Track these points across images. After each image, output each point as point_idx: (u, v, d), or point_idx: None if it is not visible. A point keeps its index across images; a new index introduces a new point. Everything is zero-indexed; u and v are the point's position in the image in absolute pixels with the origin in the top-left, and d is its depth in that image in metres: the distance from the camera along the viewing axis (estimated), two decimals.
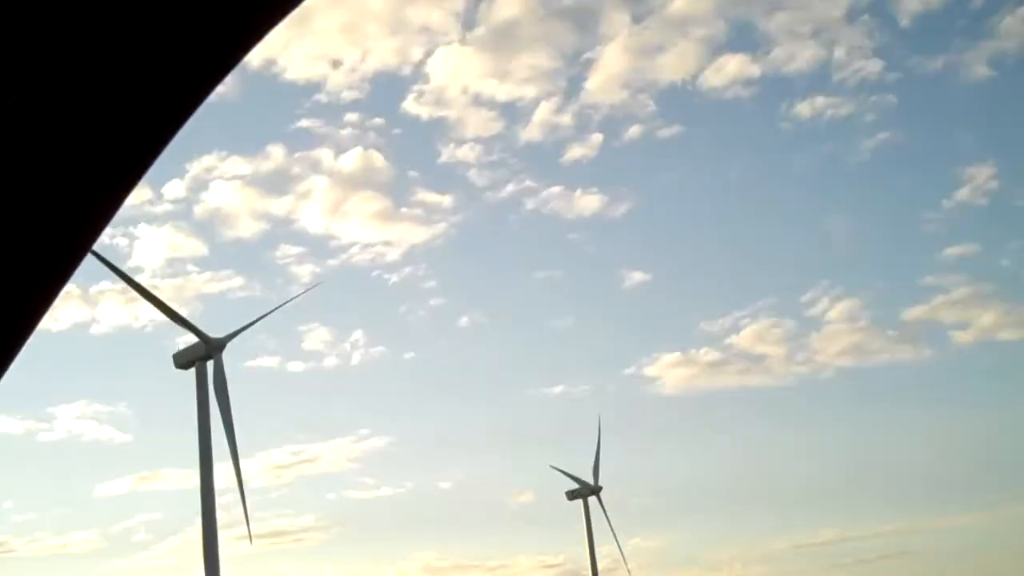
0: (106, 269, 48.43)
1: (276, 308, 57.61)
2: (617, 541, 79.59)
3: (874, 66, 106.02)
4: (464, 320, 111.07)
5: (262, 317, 55.52)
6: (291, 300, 60.73)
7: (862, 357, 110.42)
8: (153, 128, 2.14)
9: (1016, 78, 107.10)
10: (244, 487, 51.44)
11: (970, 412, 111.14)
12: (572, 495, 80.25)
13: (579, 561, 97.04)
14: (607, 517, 79.06)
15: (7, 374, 2.67)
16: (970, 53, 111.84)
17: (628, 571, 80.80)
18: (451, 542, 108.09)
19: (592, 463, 79.88)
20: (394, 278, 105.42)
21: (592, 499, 79.58)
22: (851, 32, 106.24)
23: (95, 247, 2.71)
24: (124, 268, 50.34)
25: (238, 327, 53.56)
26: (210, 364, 51.96)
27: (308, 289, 64.26)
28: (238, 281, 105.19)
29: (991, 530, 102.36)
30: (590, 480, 79.78)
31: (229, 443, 51.30)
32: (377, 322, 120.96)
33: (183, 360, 52.47)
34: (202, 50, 2.01)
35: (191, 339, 51.17)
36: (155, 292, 50.96)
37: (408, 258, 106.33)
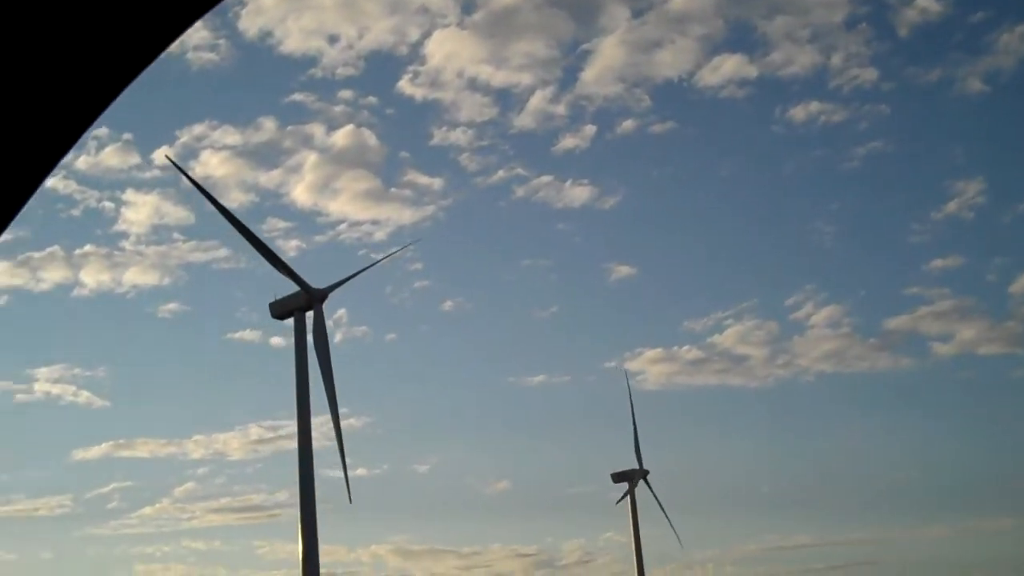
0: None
1: (370, 266, 56.66)
2: (670, 521, 79.23)
3: (870, 75, 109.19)
4: (448, 304, 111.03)
5: (361, 271, 54.53)
6: (385, 258, 59.63)
7: (842, 363, 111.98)
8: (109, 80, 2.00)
9: (1011, 95, 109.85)
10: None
11: (948, 424, 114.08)
12: (618, 478, 79.81)
13: (552, 552, 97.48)
14: (657, 500, 78.72)
15: None
16: (966, 67, 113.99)
17: (682, 546, 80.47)
18: (426, 527, 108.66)
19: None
20: (377, 256, 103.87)
21: (637, 483, 79.27)
22: (849, 39, 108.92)
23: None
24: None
25: (338, 279, 52.52)
26: (309, 315, 50.90)
27: (400, 249, 63.04)
28: (223, 252, 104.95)
29: (962, 543, 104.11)
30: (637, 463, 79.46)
31: (328, 395, 50.15)
32: (361, 301, 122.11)
33: (281, 310, 51.29)
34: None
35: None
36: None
37: (395, 239, 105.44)
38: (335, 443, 49.50)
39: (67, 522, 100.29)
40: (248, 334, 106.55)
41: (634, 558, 78.49)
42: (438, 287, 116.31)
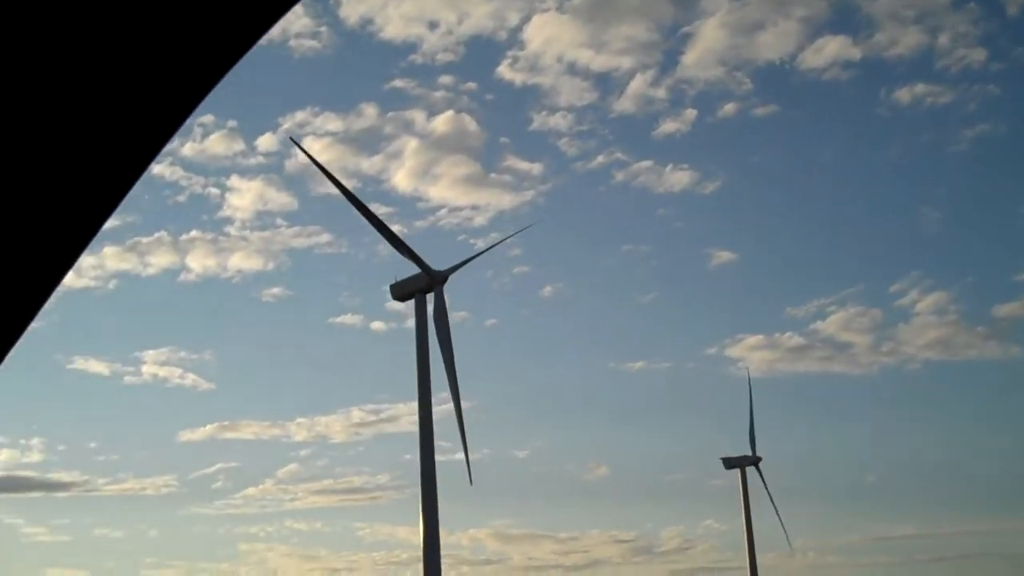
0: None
1: (493, 245, 56.23)
2: (778, 513, 77.66)
3: (978, 55, 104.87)
4: (548, 290, 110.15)
5: (481, 253, 54.19)
6: (506, 240, 59.00)
7: (949, 351, 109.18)
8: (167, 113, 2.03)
9: None
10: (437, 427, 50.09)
11: None
12: (729, 464, 78.42)
13: (650, 538, 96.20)
14: (767, 488, 77.17)
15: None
16: None
17: (790, 546, 78.92)
18: (524, 511, 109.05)
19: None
20: (480, 243, 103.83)
21: (750, 469, 77.78)
22: (956, 19, 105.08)
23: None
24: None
25: (458, 261, 52.15)
26: (430, 296, 50.64)
27: (522, 230, 62.34)
28: (325, 237, 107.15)
29: None
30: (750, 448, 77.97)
31: (448, 377, 49.89)
32: (461, 287, 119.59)
33: (402, 292, 51.13)
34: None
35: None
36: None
37: (495, 224, 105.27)
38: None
39: (173, 501, 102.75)
40: (349, 318, 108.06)
41: (745, 545, 77.14)
42: (538, 273, 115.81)
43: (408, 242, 48.51)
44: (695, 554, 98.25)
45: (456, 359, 49.29)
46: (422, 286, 50.57)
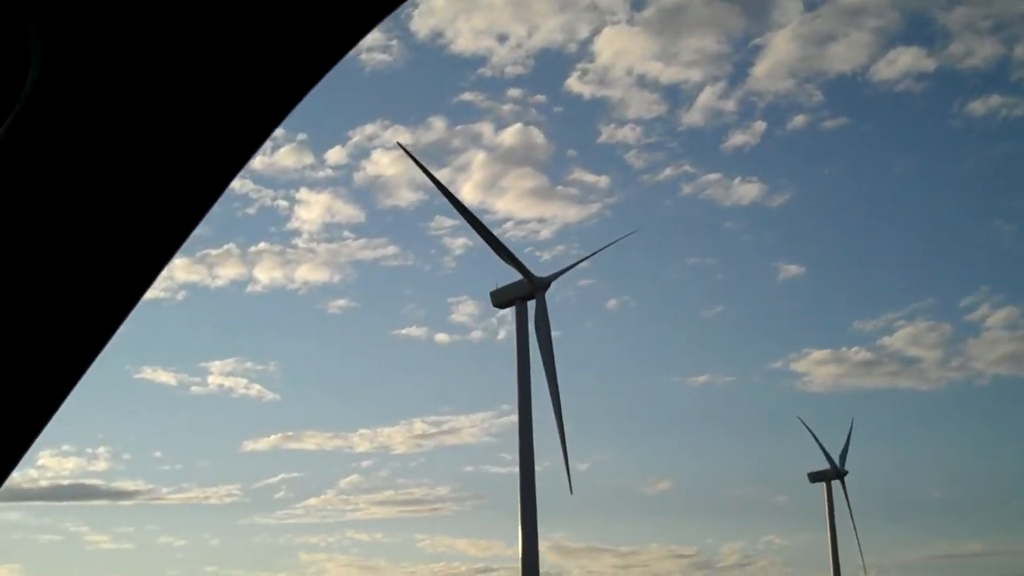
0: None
1: (595, 253, 55.62)
2: (856, 531, 76.24)
3: None
4: (613, 303, 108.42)
5: (582, 261, 53.73)
6: (607, 247, 58.14)
7: (1019, 367, 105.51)
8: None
9: None
10: (551, 435, 49.45)
11: None
12: (815, 477, 77.15)
13: (710, 553, 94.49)
14: (848, 504, 75.77)
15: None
16: None
17: (864, 566, 77.43)
18: (584, 524, 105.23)
19: (814, 449, 76.53)
20: (546, 256, 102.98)
21: (835, 483, 76.43)
22: None
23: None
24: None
25: (559, 268, 51.68)
26: (531, 304, 50.21)
27: (624, 236, 61.30)
28: (392, 250, 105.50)
29: None
30: (836, 462, 76.61)
31: (549, 386, 49.41)
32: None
33: (503, 299, 50.73)
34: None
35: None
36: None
37: (561, 237, 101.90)
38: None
39: (235, 511, 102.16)
40: (414, 330, 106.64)
41: (830, 563, 75.86)
42: (603, 285, 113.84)
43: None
44: (755, 570, 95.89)
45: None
46: (523, 293, 50.13)
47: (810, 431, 75.85)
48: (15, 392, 2.03)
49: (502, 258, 49.77)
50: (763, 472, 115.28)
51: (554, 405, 49.26)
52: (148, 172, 2.04)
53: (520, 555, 47.68)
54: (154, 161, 2.03)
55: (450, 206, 49.47)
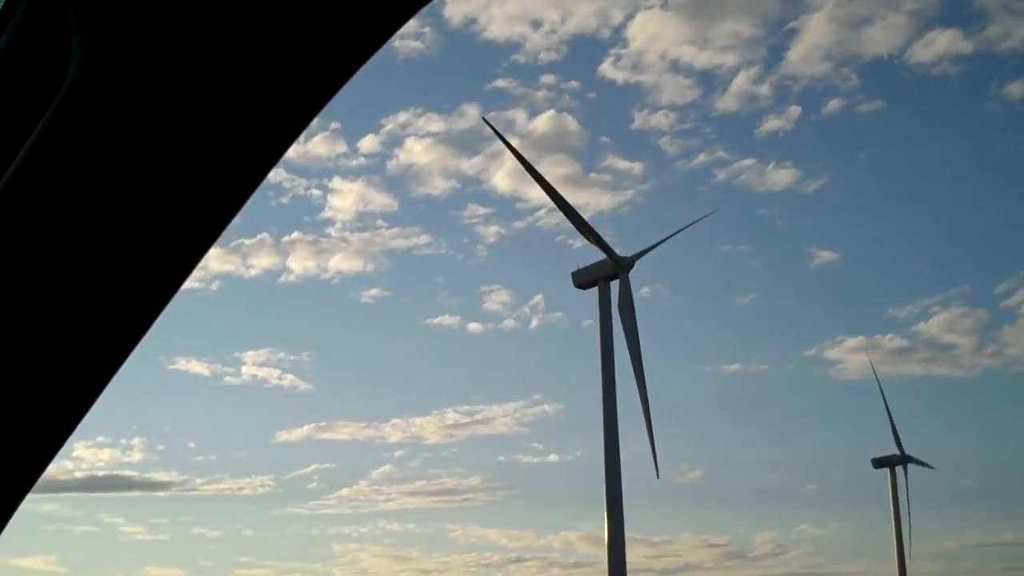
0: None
1: (678, 231, 53.35)
2: (909, 520, 74.07)
3: None
4: (645, 290, 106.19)
5: (667, 239, 51.49)
6: (690, 225, 55.59)
7: None
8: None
9: None
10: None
11: None
12: (879, 463, 74.95)
13: (743, 543, 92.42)
14: (907, 492, 73.58)
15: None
16: None
17: (908, 555, 75.24)
18: None
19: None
20: (578, 243, 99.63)
21: (898, 469, 74.22)
22: None
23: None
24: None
25: (643, 247, 49.39)
26: (615, 284, 47.88)
27: (704, 217, 58.70)
28: (424, 238, 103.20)
29: None
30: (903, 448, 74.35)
31: (634, 369, 47.18)
32: (558, 287, 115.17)
33: (585, 279, 48.51)
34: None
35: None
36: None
37: (594, 224, 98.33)
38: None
39: (268, 501, 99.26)
40: (447, 319, 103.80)
41: (895, 552, 73.73)
42: (635, 272, 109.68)
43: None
44: (788, 559, 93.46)
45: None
46: (606, 273, 47.85)
47: (888, 414, 73.74)
48: (54, 386, 2.05)
49: (586, 237, 47.49)
50: (797, 460, 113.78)
51: (639, 386, 47.06)
52: (186, 165, 2.02)
53: (606, 552, 45.45)
54: (192, 153, 2.02)
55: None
